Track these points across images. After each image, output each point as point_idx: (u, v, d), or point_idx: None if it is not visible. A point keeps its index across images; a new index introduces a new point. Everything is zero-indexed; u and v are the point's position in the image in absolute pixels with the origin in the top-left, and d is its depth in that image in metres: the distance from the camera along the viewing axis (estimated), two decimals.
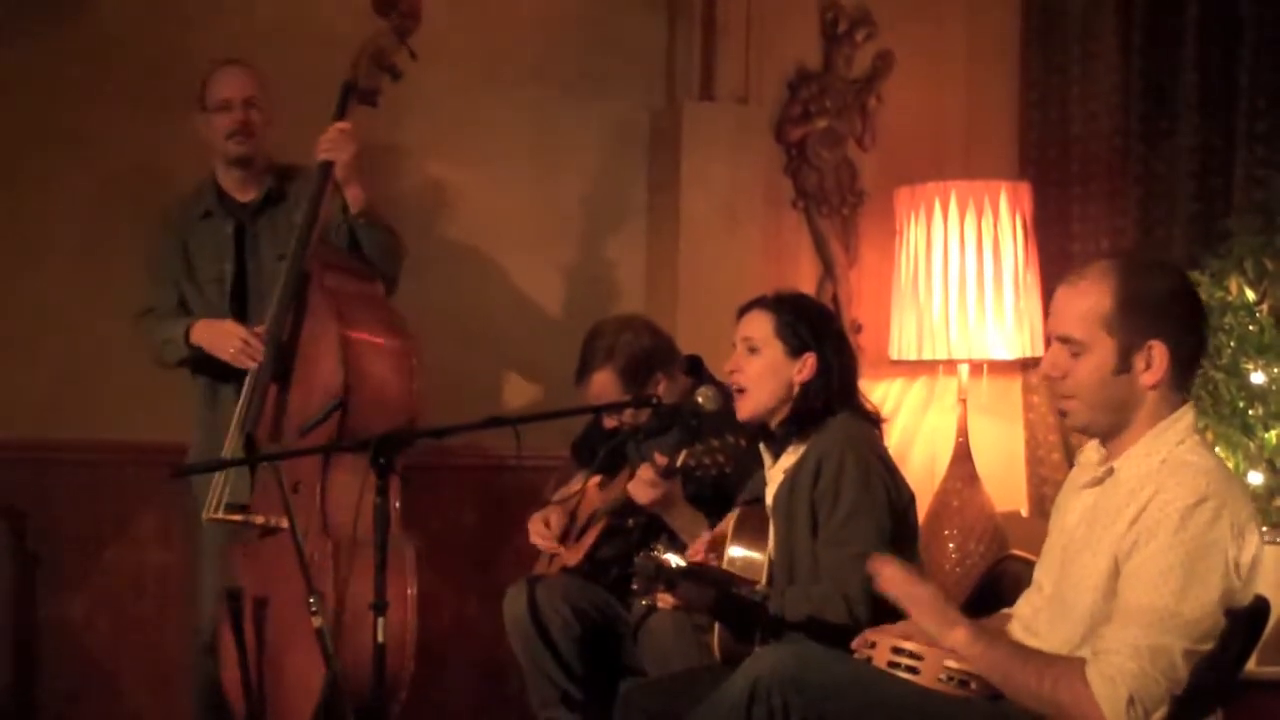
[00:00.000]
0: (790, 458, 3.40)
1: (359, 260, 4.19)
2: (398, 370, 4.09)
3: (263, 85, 4.25)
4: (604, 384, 4.05)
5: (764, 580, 3.34)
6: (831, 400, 3.39)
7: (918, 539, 3.45)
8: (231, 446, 4.00)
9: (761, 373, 3.42)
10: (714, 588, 3.17)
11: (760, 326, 3.44)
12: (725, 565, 3.37)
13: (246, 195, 4.28)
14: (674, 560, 3.10)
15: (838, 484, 3.26)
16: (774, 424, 3.44)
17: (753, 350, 3.44)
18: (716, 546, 3.43)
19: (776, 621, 3.16)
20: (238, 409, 4.04)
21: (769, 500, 3.43)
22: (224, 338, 4.10)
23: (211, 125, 4.23)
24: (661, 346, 4.14)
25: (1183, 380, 2.73)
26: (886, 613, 3.00)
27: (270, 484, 3.79)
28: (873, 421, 3.46)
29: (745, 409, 3.44)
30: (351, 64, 4.25)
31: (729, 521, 3.47)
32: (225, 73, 4.23)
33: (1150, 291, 2.70)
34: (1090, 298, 2.70)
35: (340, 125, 4.17)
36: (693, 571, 3.15)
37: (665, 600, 3.25)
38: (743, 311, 3.51)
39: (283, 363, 4.07)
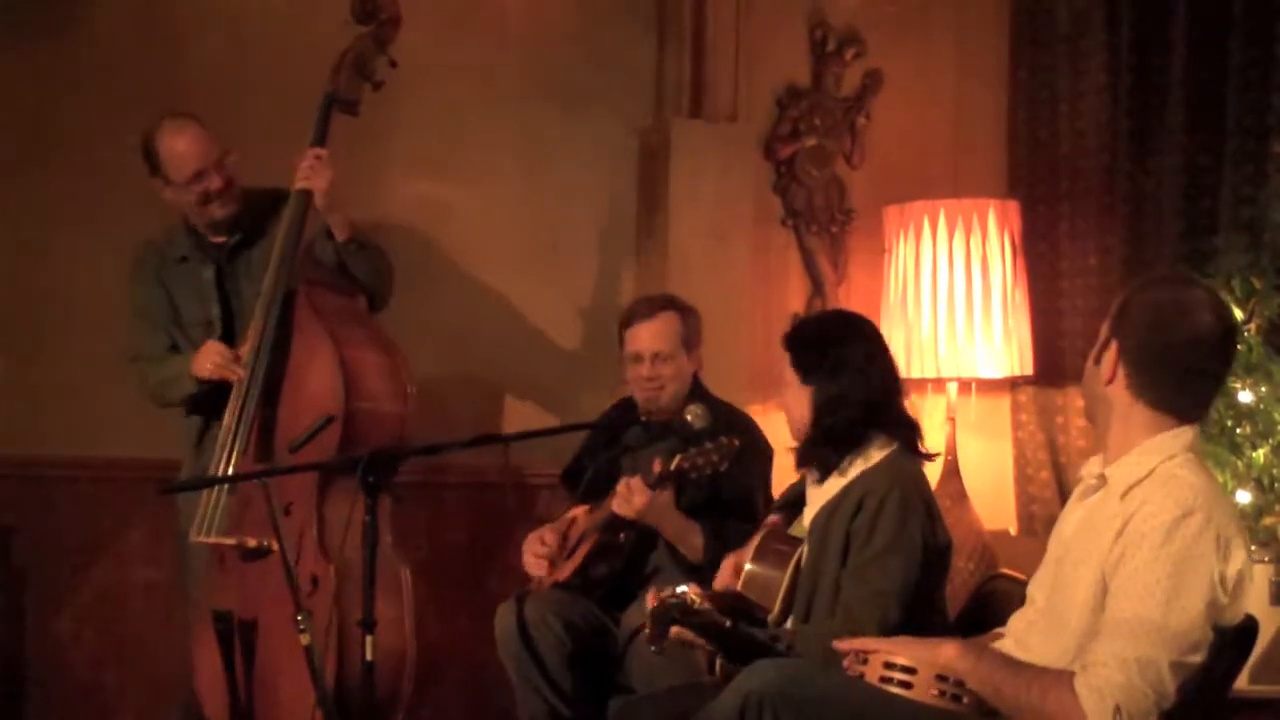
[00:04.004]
0: (836, 483, 3.38)
1: (342, 277, 4.14)
2: (394, 388, 4.07)
3: (212, 134, 4.09)
4: None
5: (778, 604, 3.33)
6: (854, 422, 3.37)
7: (945, 584, 3.42)
8: (218, 469, 3.95)
9: (791, 406, 3.45)
10: (721, 633, 3.08)
11: (785, 369, 3.47)
12: (743, 579, 3.36)
13: (221, 236, 4.17)
14: (686, 593, 3.03)
15: (876, 519, 3.26)
16: (807, 447, 3.43)
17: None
18: (739, 570, 3.41)
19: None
20: (223, 430, 3.99)
21: (806, 522, 3.42)
22: (203, 355, 4.05)
23: (184, 196, 4.08)
24: None
25: (1148, 392, 2.72)
26: None
27: (257, 505, 3.74)
28: (919, 453, 3.42)
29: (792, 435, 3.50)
30: (331, 73, 4.16)
31: (755, 538, 3.47)
32: (181, 140, 4.03)
33: (1128, 297, 2.78)
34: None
35: (316, 151, 4.07)
36: (703, 617, 3.05)
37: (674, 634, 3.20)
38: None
39: (270, 384, 4.02)
